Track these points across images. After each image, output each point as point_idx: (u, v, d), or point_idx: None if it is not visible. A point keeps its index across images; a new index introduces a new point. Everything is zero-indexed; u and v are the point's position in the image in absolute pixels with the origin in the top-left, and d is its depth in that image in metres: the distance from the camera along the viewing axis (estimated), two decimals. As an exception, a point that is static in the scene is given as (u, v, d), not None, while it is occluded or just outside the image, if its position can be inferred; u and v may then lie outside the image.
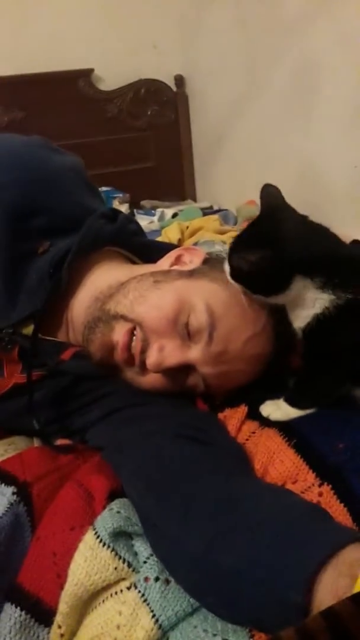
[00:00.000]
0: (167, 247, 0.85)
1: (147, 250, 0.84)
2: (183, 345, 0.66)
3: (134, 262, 0.84)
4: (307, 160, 1.61)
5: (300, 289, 0.58)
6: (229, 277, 0.63)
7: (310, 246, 0.58)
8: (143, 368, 0.68)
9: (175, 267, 0.75)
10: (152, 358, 0.66)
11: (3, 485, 0.60)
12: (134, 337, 0.68)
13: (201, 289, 0.69)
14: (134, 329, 0.68)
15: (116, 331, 0.68)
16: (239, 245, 0.61)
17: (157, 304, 0.67)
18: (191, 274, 0.72)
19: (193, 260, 0.76)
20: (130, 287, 0.71)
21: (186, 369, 0.68)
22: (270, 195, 0.63)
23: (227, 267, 0.63)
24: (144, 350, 0.67)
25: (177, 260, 0.77)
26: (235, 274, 0.62)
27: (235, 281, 0.62)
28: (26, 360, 0.70)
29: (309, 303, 0.58)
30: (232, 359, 0.67)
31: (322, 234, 0.60)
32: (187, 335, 0.66)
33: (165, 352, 0.66)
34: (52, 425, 0.72)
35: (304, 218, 0.61)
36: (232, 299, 0.67)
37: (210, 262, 0.75)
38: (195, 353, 0.66)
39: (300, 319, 0.60)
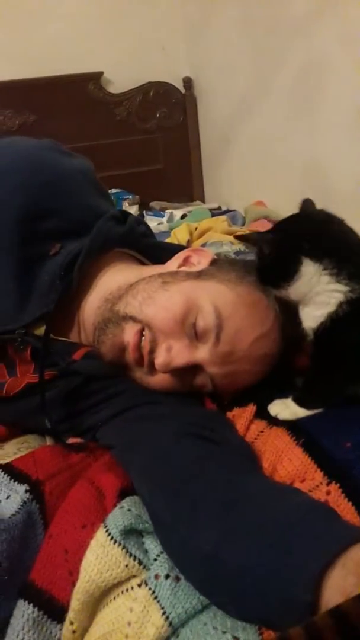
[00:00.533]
0: (175, 249, 0.86)
1: (156, 251, 0.84)
2: (191, 345, 0.67)
3: (143, 264, 0.84)
4: (313, 160, 1.61)
5: (312, 276, 0.57)
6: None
7: (320, 229, 0.58)
8: (152, 368, 0.69)
9: (183, 268, 0.76)
10: (160, 358, 0.67)
11: (16, 483, 0.61)
12: (143, 338, 0.68)
13: (209, 290, 0.69)
14: (143, 329, 0.68)
15: (126, 332, 0.69)
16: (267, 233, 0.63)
17: (165, 305, 0.68)
18: (199, 275, 0.72)
19: (201, 262, 0.76)
20: (139, 288, 0.72)
21: (194, 369, 0.68)
22: (304, 206, 0.64)
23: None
24: (152, 351, 0.68)
25: (185, 261, 0.77)
26: (259, 273, 0.63)
27: (262, 282, 0.64)
28: (38, 361, 0.71)
29: (325, 298, 0.58)
30: (239, 359, 0.67)
31: (337, 224, 0.60)
32: (195, 335, 0.67)
33: (173, 353, 0.67)
34: (64, 424, 0.73)
35: (322, 210, 0.61)
36: (239, 300, 0.68)
37: (218, 263, 0.76)
38: (202, 353, 0.67)
39: (314, 318, 0.60)
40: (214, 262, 0.76)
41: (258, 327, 0.68)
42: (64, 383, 0.72)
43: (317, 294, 0.58)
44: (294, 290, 0.60)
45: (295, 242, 0.57)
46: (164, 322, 0.67)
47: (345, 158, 1.47)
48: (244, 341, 0.67)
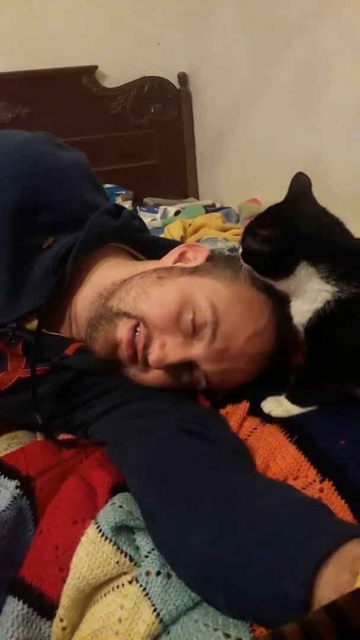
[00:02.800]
0: (170, 244, 0.85)
1: (150, 246, 0.84)
2: (185, 342, 0.67)
3: (137, 258, 0.84)
4: (311, 158, 1.61)
5: (304, 277, 0.57)
6: (241, 261, 0.63)
7: (321, 233, 0.58)
8: (146, 364, 0.68)
9: (178, 264, 0.75)
10: (154, 355, 0.66)
11: (6, 479, 0.60)
12: (137, 334, 0.68)
13: (204, 285, 0.69)
14: (137, 325, 0.68)
15: (119, 329, 0.68)
16: (253, 226, 0.61)
17: (159, 300, 0.68)
18: (194, 270, 0.72)
19: (197, 257, 0.76)
20: (133, 283, 0.71)
21: (188, 365, 0.68)
22: (299, 183, 0.63)
23: (240, 249, 0.63)
24: (146, 347, 0.67)
25: (181, 257, 0.77)
26: (246, 254, 0.61)
27: (245, 262, 0.62)
28: (30, 355, 0.70)
29: (312, 295, 0.58)
30: (233, 356, 0.67)
31: (336, 226, 0.60)
32: (190, 332, 0.66)
33: (167, 349, 0.66)
34: (55, 420, 0.72)
35: (323, 209, 0.61)
36: (234, 297, 0.68)
37: (214, 259, 0.76)
38: (197, 350, 0.67)
39: (302, 313, 0.60)
40: (209, 258, 0.75)
41: (253, 324, 0.67)
42: (56, 378, 0.71)
43: (305, 291, 0.59)
44: (282, 285, 0.60)
45: (296, 244, 0.57)
46: (158, 317, 0.67)
47: (343, 157, 1.47)
48: (238, 338, 0.66)
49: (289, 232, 0.57)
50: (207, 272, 0.71)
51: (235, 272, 0.70)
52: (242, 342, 0.67)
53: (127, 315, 0.68)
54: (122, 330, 0.68)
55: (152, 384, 0.70)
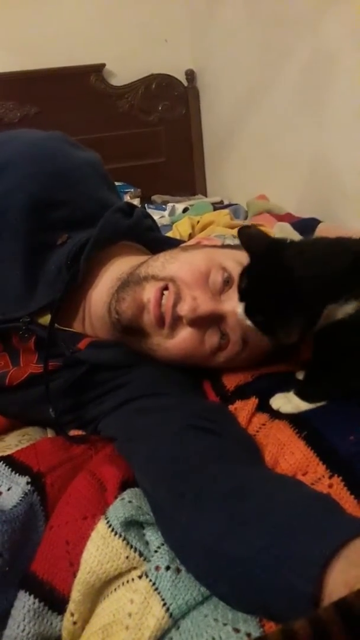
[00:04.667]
0: (181, 244, 0.87)
1: (161, 246, 0.84)
2: (214, 298, 0.68)
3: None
4: (318, 155, 1.60)
5: (332, 310, 0.56)
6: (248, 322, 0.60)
7: (326, 273, 0.56)
8: (173, 327, 0.68)
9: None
10: (186, 305, 0.67)
11: (17, 475, 0.61)
12: (165, 295, 0.68)
13: (228, 253, 0.72)
14: (165, 288, 0.69)
15: (147, 290, 0.69)
16: (253, 300, 0.59)
17: (189, 260, 0.70)
18: (214, 247, 0.76)
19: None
20: (159, 255, 0.73)
21: (214, 326, 0.69)
22: (253, 238, 0.61)
23: (243, 317, 0.60)
24: (175, 304, 0.68)
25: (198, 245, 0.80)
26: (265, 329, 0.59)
27: (266, 334, 0.60)
28: (42, 350, 0.71)
29: (331, 317, 0.57)
30: None
31: (328, 248, 0.58)
32: (218, 290, 0.68)
33: (199, 301, 0.67)
34: (67, 415, 0.73)
35: (303, 242, 0.59)
36: None
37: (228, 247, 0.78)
38: (228, 304, 0.68)
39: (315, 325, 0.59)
40: (223, 247, 0.79)
41: None
42: (68, 374, 0.72)
43: (329, 317, 0.57)
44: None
45: (316, 302, 0.55)
46: (188, 273, 0.69)
47: (350, 153, 1.46)
48: None
49: (302, 302, 0.55)
50: (226, 248, 0.75)
51: None
52: None
53: (154, 278, 0.70)
54: (150, 291, 0.69)
55: (177, 350, 0.70)
